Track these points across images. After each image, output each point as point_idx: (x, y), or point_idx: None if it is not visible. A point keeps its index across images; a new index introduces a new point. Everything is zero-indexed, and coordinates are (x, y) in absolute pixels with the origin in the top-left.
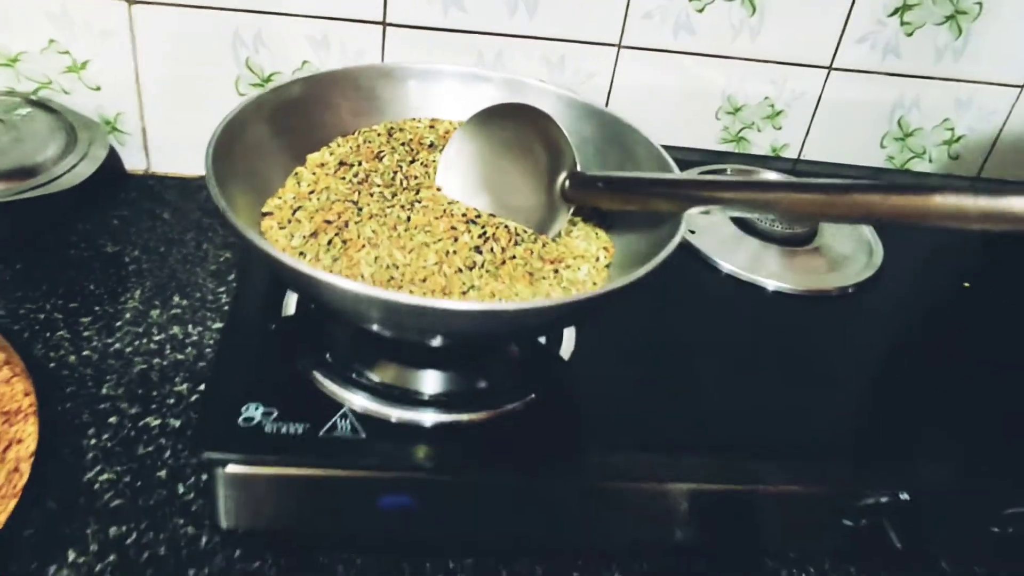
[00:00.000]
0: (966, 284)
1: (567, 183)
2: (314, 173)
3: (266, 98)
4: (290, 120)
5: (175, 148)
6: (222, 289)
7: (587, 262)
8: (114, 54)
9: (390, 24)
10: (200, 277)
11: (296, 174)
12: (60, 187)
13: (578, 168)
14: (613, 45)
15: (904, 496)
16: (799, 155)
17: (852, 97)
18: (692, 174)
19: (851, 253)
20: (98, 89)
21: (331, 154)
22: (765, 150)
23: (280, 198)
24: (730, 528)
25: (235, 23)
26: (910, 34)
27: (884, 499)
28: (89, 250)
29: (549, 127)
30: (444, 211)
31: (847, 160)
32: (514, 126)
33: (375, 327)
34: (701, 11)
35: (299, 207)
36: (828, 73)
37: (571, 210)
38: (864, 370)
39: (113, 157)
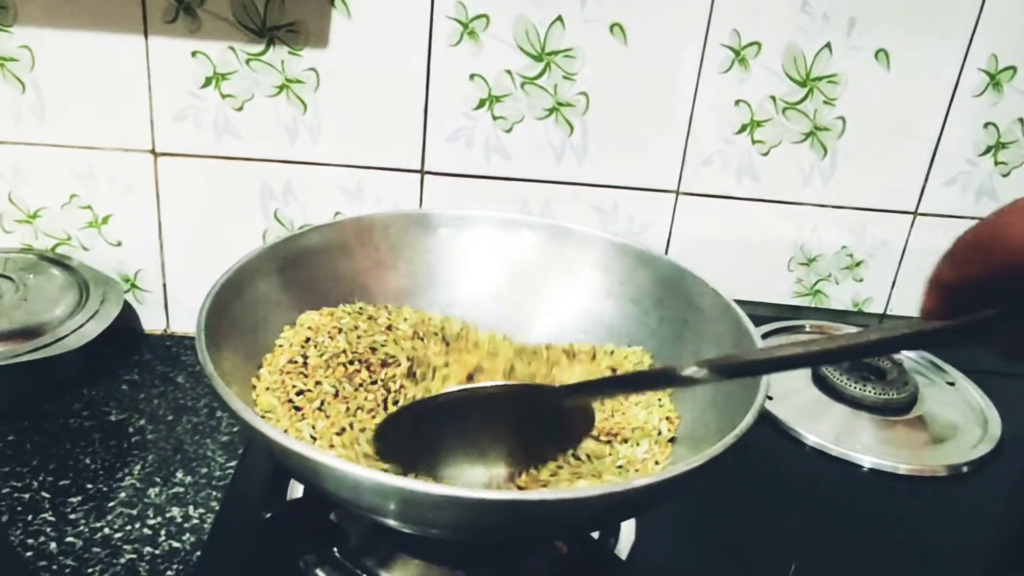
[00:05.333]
0: None
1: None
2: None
3: (278, 248)
4: (304, 272)
5: (197, 306)
6: (232, 464)
7: (647, 436)
8: (137, 208)
9: (428, 172)
10: (209, 449)
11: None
12: (64, 349)
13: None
14: (671, 192)
15: None
16: (885, 310)
17: (944, 245)
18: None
19: (961, 423)
20: (119, 245)
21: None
22: (846, 304)
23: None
24: None
25: (264, 174)
26: (1007, 174)
27: None
28: (91, 418)
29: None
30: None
31: None
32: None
33: (385, 520)
34: (766, 155)
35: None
36: (914, 219)
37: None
38: (983, 568)
39: (130, 316)
